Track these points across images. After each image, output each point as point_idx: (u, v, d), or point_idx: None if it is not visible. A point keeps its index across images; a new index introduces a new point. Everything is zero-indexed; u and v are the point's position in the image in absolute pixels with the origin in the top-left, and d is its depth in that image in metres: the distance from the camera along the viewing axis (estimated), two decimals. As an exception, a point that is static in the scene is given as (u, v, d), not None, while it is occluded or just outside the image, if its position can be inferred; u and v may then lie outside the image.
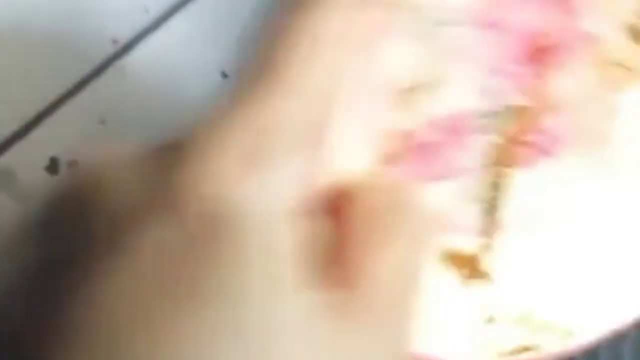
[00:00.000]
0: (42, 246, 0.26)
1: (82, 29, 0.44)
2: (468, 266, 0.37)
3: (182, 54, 0.48)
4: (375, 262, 0.26)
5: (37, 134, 0.42)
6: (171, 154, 0.26)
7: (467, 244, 0.37)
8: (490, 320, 0.37)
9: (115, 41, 0.45)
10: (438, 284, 0.37)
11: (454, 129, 0.37)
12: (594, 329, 0.37)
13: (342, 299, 0.25)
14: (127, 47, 0.45)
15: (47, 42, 0.43)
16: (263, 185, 0.25)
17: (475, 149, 0.37)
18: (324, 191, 0.27)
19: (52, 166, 0.42)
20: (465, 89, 0.37)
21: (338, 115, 0.27)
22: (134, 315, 0.23)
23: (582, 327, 0.37)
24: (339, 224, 0.27)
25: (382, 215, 0.27)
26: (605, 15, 0.36)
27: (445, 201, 0.37)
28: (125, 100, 0.45)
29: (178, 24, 0.47)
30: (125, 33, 0.45)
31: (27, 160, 0.41)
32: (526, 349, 0.37)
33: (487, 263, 0.37)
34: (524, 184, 0.37)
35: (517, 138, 0.37)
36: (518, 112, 0.37)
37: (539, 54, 0.37)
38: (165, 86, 0.47)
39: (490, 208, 0.37)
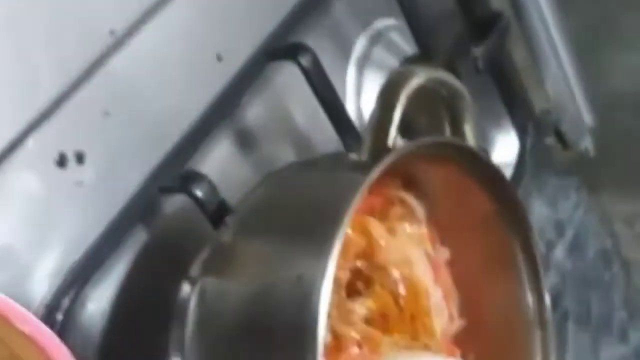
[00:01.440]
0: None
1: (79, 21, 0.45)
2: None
3: (179, 40, 0.49)
4: None
5: (43, 129, 0.43)
6: None
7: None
8: None
9: (112, 32, 0.46)
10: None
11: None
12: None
13: None
14: (125, 38, 0.46)
15: (45, 35, 0.43)
16: None
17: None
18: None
19: (61, 160, 0.43)
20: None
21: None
22: None
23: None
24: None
25: None
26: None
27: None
28: (128, 90, 0.46)
29: (174, 12, 0.48)
30: (122, 23, 0.46)
31: (37, 156, 0.42)
32: None
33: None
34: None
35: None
36: None
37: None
38: (165, 73, 0.48)
39: None
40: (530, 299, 0.51)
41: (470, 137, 0.48)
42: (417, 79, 0.43)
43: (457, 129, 0.48)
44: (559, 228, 0.91)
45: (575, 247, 0.94)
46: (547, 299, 0.50)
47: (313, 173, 0.45)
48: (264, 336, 0.38)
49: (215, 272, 0.41)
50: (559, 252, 0.91)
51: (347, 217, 0.37)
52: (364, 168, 0.41)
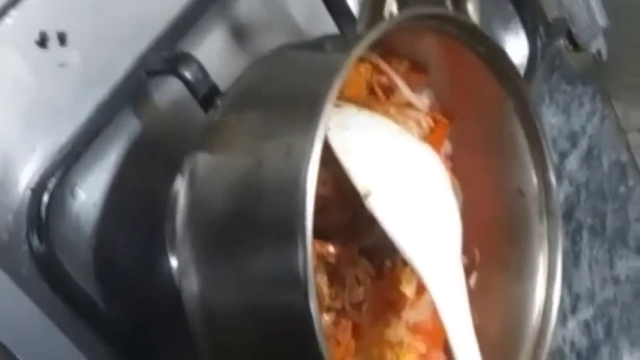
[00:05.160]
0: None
1: None
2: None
3: None
4: None
5: (22, 6, 0.41)
6: None
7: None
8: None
9: None
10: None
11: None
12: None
13: None
14: None
15: None
16: None
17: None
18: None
19: (42, 40, 0.41)
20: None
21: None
22: None
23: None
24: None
25: None
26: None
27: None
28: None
29: None
30: None
31: (16, 35, 0.41)
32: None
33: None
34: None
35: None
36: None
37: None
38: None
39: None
40: (536, 188, 0.49)
41: (473, 15, 0.46)
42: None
43: (459, 6, 0.46)
44: (573, 138, 0.89)
45: (590, 158, 0.91)
46: (554, 188, 0.48)
47: (303, 51, 0.43)
48: (253, 210, 0.36)
49: (206, 148, 0.40)
50: (573, 163, 0.89)
51: (340, 78, 0.35)
52: (356, 40, 0.39)
